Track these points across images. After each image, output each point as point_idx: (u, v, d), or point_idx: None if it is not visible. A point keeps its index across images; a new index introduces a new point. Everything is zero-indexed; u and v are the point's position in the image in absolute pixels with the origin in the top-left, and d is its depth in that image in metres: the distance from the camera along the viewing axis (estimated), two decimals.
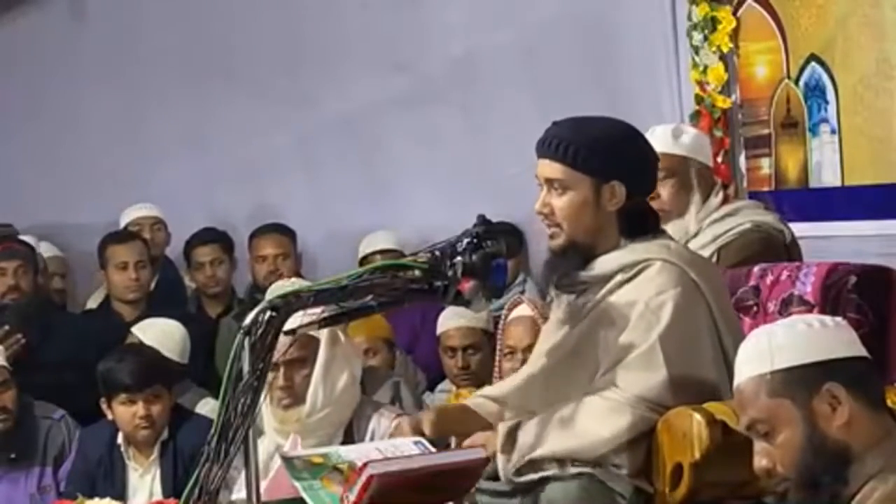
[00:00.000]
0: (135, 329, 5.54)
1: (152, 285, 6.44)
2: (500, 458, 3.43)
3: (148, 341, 5.35)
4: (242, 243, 6.76)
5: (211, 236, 6.69)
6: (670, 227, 4.38)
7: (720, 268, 4.17)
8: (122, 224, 6.83)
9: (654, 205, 4.38)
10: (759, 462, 2.70)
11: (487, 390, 3.69)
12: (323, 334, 4.03)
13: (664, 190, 4.42)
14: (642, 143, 3.52)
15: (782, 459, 2.67)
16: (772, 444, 2.67)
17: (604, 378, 3.38)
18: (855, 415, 2.62)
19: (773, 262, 4.09)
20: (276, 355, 3.82)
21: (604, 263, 3.43)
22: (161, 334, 5.47)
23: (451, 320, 5.55)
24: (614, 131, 3.47)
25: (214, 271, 6.62)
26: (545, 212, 3.44)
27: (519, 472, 3.40)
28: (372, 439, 4.01)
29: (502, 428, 3.46)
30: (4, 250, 6.07)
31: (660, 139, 4.49)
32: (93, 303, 6.72)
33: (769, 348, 2.68)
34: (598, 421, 3.31)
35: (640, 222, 3.48)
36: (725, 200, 4.54)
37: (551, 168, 3.41)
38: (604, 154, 3.40)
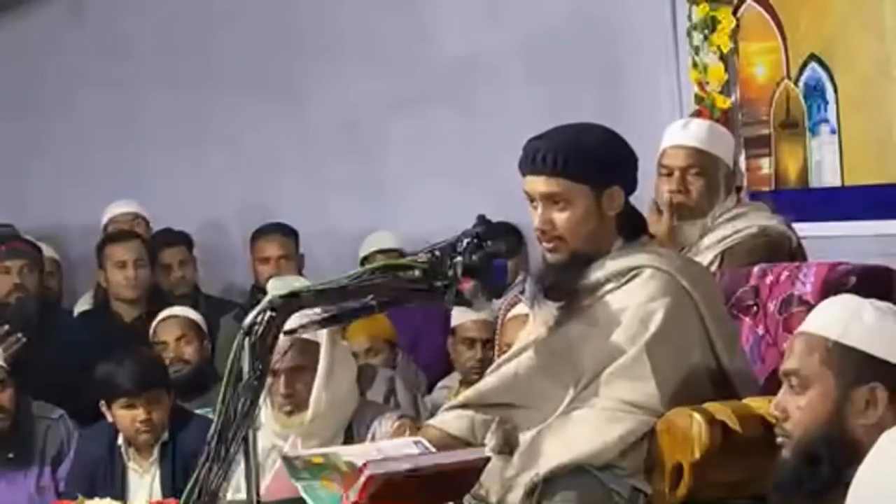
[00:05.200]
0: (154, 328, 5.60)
1: None
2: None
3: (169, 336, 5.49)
4: (242, 243, 6.76)
5: (175, 237, 6.68)
6: (689, 226, 4.37)
7: (724, 271, 4.16)
8: (104, 222, 6.84)
9: (679, 198, 4.38)
10: (774, 408, 2.73)
11: (457, 400, 3.63)
12: (323, 339, 4.03)
13: (694, 187, 4.36)
14: (625, 144, 3.47)
15: (796, 418, 2.68)
16: (796, 401, 2.68)
17: (589, 387, 3.36)
18: (882, 422, 2.61)
19: None
20: (276, 362, 3.86)
21: (594, 271, 3.41)
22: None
23: (469, 313, 5.51)
24: (598, 136, 3.43)
25: (183, 272, 6.62)
26: (547, 228, 3.39)
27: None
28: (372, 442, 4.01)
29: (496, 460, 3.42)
30: (9, 249, 6.08)
31: (697, 134, 4.44)
32: (81, 307, 6.70)
33: (848, 319, 2.68)
34: (598, 430, 3.29)
35: (634, 223, 3.47)
36: (737, 203, 4.52)
37: (547, 183, 3.37)
38: (598, 159, 3.37)
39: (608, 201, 3.39)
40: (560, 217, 3.39)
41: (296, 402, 4.04)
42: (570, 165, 3.35)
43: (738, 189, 4.55)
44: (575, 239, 3.39)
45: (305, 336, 3.78)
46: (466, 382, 5.27)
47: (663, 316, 3.33)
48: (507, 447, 3.46)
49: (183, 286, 6.61)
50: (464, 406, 3.56)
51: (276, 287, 4.27)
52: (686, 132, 4.46)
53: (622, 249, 3.44)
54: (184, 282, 6.61)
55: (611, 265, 3.41)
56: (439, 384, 5.74)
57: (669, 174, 4.38)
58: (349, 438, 4.06)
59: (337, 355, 4.10)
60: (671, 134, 4.48)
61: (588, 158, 3.36)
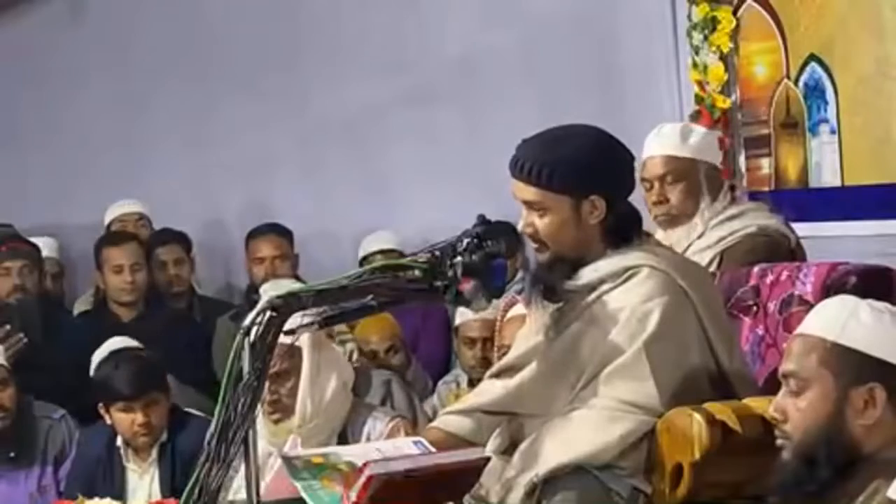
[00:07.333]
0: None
1: None
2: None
3: None
4: (241, 243, 6.76)
5: (171, 236, 6.66)
6: (679, 231, 4.38)
7: (724, 271, 4.15)
8: (107, 221, 6.84)
9: (662, 209, 4.39)
10: (773, 410, 2.74)
11: (460, 405, 3.62)
12: (305, 344, 4.00)
13: (673, 194, 4.39)
14: (615, 150, 3.46)
15: (795, 419, 2.69)
16: (795, 402, 2.69)
17: (589, 387, 3.36)
18: (881, 422, 2.63)
19: None
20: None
21: (590, 272, 3.42)
22: None
23: (470, 312, 5.48)
24: (586, 144, 3.42)
25: (178, 271, 6.60)
26: (529, 231, 3.44)
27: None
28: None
29: (496, 460, 3.41)
30: (9, 250, 6.08)
31: (668, 141, 4.45)
32: (80, 307, 6.70)
33: (846, 319, 2.68)
34: (598, 430, 3.29)
35: (626, 228, 3.46)
36: (732, 202, 4.52)
37: (527, 191, 3.40)
38: (579, 171, 3.37)
39: (589, 210, 3.40)
40: (541, 223, 3.42)
41: (281, 407, 4.02)
42: (546, 177, 3.37)
43: (732, 188, 4.55)
44: (555, 244, 3.42)
45: (288, 341, 3.77)
46: (474, 380, 5.27)
47: (661, 315, 3.33)
48: (512, 448, 3.46)
49: (177, 285, 6.60)
50: (466, 412, 3.56)
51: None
52: (658, 140, 4.47)
53: (618, 249, 3.44)
54: (179, 280, 6.60)
55: (607, 265, 3.42)
56: (444, 379, 5.73)
57: (651, 187, 4.41)
58: (343, 441, 4.04)
59: (322, 359, 4.07)
60: (647, 144, 4.48)
61: (567, 171, 3.37)
